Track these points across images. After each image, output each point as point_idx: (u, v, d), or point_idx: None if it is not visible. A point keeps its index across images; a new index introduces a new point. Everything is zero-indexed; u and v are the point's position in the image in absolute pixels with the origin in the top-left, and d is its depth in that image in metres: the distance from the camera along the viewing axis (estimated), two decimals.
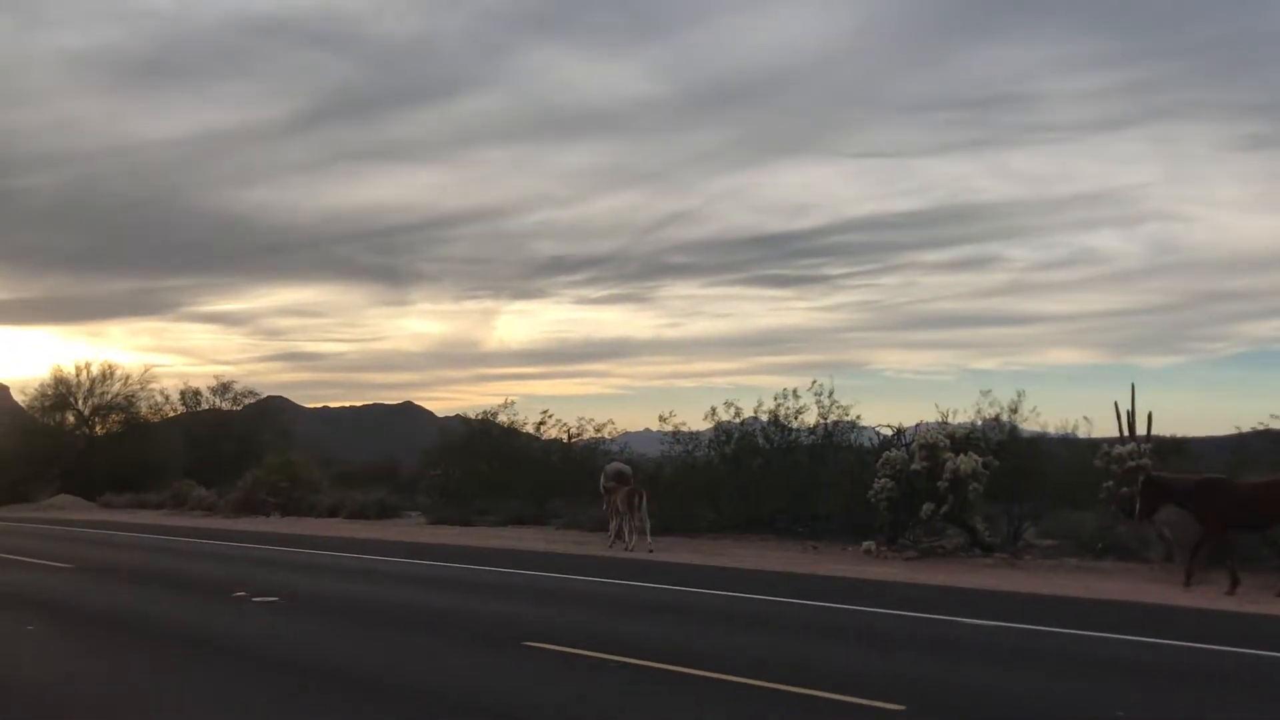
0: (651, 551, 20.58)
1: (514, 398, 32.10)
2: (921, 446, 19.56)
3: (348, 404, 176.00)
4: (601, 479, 23.21)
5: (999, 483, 19.57)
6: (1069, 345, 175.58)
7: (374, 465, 60.64)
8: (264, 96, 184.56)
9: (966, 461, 18.65)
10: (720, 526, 24.38)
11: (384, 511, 33.81)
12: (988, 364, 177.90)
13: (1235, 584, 13.90)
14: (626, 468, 24.04)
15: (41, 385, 51.80)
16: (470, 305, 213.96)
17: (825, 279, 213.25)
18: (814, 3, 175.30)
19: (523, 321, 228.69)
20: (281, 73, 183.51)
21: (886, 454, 20.18)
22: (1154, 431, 23.73)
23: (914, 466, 19.51)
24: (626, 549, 21.20)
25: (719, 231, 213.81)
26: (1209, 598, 13.43)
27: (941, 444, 19.40)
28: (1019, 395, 20.83)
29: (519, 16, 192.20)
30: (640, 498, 21.53)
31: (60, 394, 51.08)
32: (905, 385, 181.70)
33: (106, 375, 51.95)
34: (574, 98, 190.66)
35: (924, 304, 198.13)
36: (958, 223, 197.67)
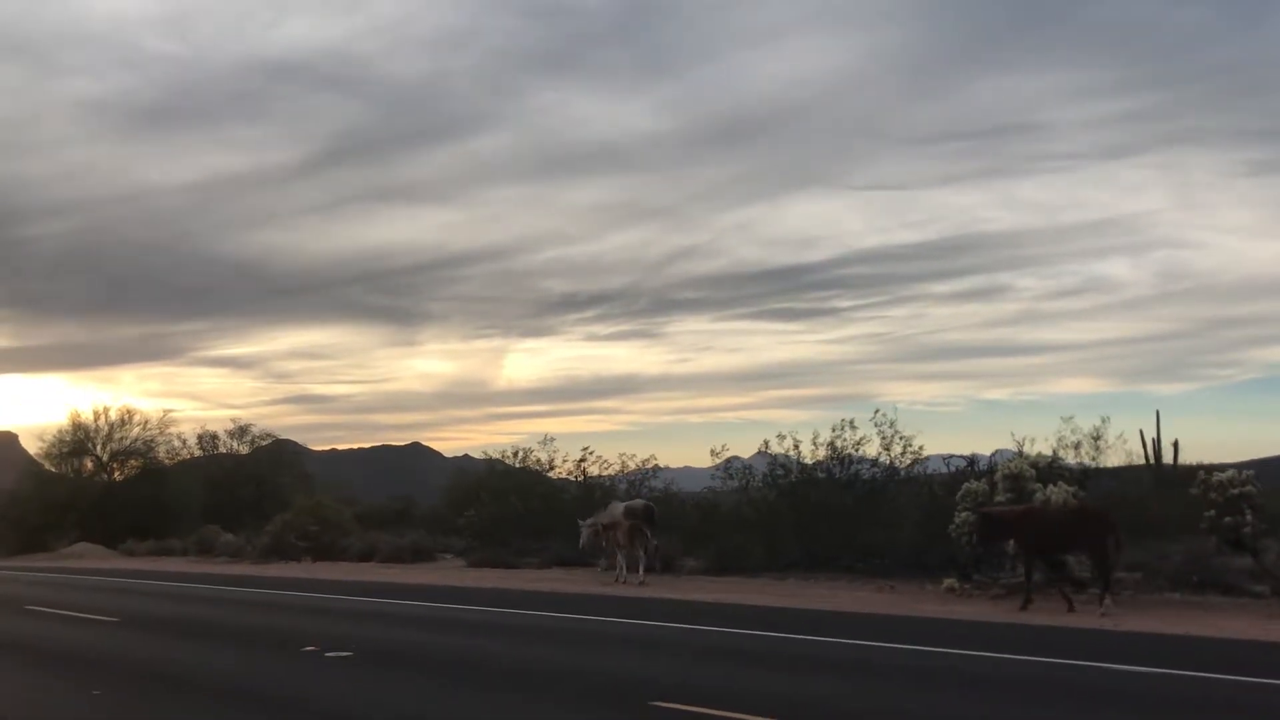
0: (643, 584, 21.29)
1: (552, 435, 31.38)
2: (1005, 477, 18.65)
3: (355, 445, 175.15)
4: (622, 513, 23.33)
5: None
6: (1080, 374, 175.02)
7: (380, 507, 59.47)
8: (275, 140, 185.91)
9: (1058, 492, 17.72)
10: (777, 565, 23.41)
11: (418, 555, 32.79)
12: (998, 394, 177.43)
13: (1027, 603, 15.85)
14: (646, 503, 24.20)
15: (60, 431, 50.96)
16: (479, 344, 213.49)
17: (834, 311, 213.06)
18: (820, 37, 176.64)
19: (532, 360, 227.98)
20: (293, 116, 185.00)
21: (966, 485, 19.27)
22: (1178, 459, 23.30)
23: (998, 498, 18.58)
24: (619, 580, 22.00)
25: (728, 266, 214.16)
26: None
27: (1026, 474, 18.50)
28: (1104, 421, 19.95)
29: (528, 56, 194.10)
30: (642, 533, 22.07)
31: (79, 439, 50.18)
32: (915, 417, 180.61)
33: (125, 420, 51.15)
34: (583, 135, 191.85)
35: (933, 335, 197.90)
36: (966, 253, 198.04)
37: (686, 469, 33.99)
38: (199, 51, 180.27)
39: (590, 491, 30.12)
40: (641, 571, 22.03)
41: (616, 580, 22.14)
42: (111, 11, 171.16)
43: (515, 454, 33.89)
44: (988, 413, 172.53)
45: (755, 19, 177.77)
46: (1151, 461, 23.19)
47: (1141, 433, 21.93)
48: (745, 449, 27.08)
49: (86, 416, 51.07)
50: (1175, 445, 23.69)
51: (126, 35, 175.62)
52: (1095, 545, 15.59)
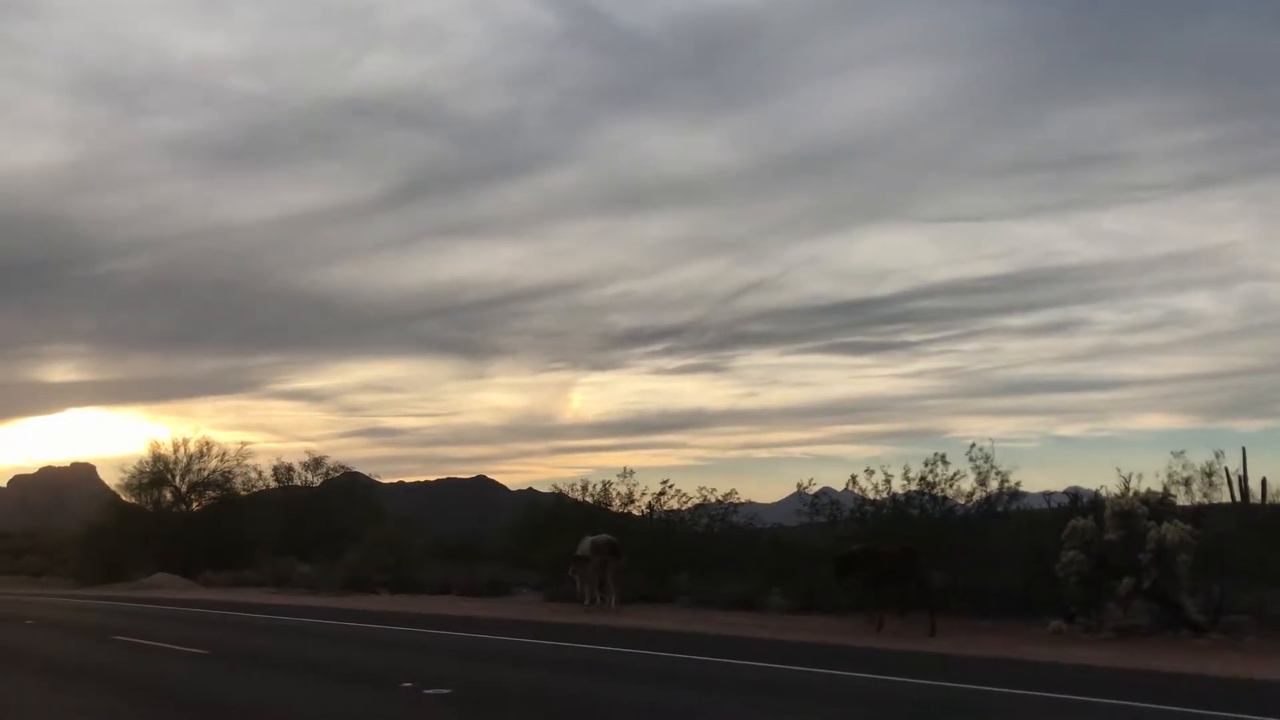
0: (618, 611, 23.84)
1: (631, 468, 30.88)
2: (1115, 514, 17.87)
3: (422, 478, 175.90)
4: (590, 548, 25.21)
5: (1201, 554, 17.78)
6: (1159, 410, 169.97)
7: (448, 540, 59.31)
8: (353, 176, 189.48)
9: (1174, 530, 16.92)
10: (869, 604, 22.68)
11: (494, 589, 32.50)
12: (1073, 430, 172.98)
13: (879, 626, 19.04)
14: (609, 538, 25.53)
15: (140, 462, 51.66)
16: (547, 378, 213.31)
17: (905, 345, 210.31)
18: (895, 69, 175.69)
19: (599, 393, 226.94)
20: (370, 152, 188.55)
21: (1073, 523, 18.49)
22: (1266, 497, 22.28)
23: (1107, 536, 17.81)
24: (584, 607, 24.81)
25: (797, 299, 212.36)
26: None
27: (1139, 511, 17.71)
28: (1217, 456, 19.07)
29: (602, 92, 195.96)
30: (613, 565, 24.51)
31: (158, 471, 50.84)
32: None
33: (204, 452, 51.71)
34: (655, 170, 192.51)
35: (1007, 370, 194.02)
36: (1043, 286, 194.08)
37: (749, 504, 33.17)
38: (279, 90, 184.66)
39: (670, 527, 29.64)
40: (614, 601, 24.70)
41: (584, 608, 24.66)
42: (196, 53, 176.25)
43: (584, 488, 33.44)
44: (1062, 449, 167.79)
45: (828, 53, 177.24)
46: (1238, 499, 22.29)
47: (1227, 470, 21.03)
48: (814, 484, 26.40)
49: (166, 448, 51.83)
50: (1264, 483, 22.81)
51: (210, 76, 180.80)
52: (915, 578, 18.91)
